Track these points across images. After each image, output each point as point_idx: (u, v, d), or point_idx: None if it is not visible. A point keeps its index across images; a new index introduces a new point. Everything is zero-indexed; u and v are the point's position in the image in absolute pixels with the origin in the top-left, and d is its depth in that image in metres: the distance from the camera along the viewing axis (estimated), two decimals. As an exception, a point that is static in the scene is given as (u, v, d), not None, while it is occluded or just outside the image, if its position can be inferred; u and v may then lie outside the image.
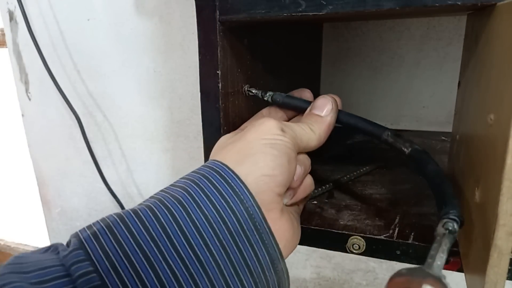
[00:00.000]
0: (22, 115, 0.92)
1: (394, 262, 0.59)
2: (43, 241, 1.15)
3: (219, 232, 0.22)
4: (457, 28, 0.54)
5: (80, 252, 0.20)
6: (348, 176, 0.39)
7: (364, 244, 0.29)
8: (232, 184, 0.24)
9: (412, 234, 0.28)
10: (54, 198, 0.97)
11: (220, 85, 0.31)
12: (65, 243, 0.23)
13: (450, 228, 0.22)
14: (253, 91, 0.34)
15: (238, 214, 0.23)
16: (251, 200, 0.24)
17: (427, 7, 0.24)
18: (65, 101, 0.79)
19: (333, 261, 0.73)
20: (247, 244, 0.23)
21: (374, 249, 0.29)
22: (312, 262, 0.75)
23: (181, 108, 0.76)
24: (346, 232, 0.30)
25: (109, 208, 0.89)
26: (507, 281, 0.20)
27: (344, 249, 0.30)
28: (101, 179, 0.84)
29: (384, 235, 0.29)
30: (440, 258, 0.21)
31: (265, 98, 0.34)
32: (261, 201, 0.24)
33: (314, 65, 0.58)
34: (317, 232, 0.30)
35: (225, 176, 0.24)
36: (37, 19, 0.79)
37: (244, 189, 0.24)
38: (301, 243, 0.29)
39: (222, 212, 0.23)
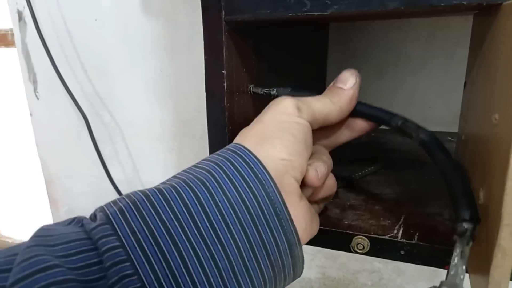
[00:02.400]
0: (31, 115, 0.93)
1: (399, 263, 0.59)
2: (51, 240, 1.16)
3: (241, 215, 0.23)
4: (464, 28, 0.54)
5: (107, 227, 0.21)
6: (353, 176, 0.39)
7: (368, 244, 0.29)
8: (254, 168, 0.24)
9: (417, 234, 0.28)
10: (62, 197, 0.98)
11: (225, 85, 0.31)
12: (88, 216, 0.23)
13: (460, 231, 0.23)
14: (258, 90, 0.34)
15: (259, 199, 0.23)
16: (272, 185, 0.24)
17: (432, 6, 0.24)
18: (73, 100, 0.79)
19: (338, 261, 0.73)
20: (267, 228, 0.23)
21: (378, 249, 0.29)
22: (317, 262, 0.75)
23: (187, 108, 0.76)
24: (351, 232, 0.30)
25: (116, 207, 0.90)
26: (511, 282, 0.20)
27: (348, 249, 0.30)
28: (108, 178, 0.84)
29: (388, 235, 0.28)
30: (454, 267, 0.21)
31: (272, 93, 0.33)
32: (281, 184, 0.24)
33: (319, 65, 0.58)
34: (322, 231, 0.30)
35: (247, 160, 0.24)
36: (45, 19, 0.80)
37: (266, 174, 0.24)
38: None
39: (244, 195, 0.23)
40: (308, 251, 0.74)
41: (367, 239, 0.29)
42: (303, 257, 0.26)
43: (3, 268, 0.18)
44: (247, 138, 0.27)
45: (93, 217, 0.23)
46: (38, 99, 0.90)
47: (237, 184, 0.23)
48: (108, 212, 0.22)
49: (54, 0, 0.78)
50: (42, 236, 0.21)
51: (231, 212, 0.22)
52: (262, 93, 0.34)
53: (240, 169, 0.24)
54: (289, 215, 0.24)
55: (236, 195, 0.23)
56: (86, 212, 0.23)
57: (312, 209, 0.28)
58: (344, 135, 0.32)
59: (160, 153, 0.82)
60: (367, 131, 0.31)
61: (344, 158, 0.32)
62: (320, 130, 0.30)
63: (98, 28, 0.77)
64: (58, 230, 0.22)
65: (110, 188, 0.85)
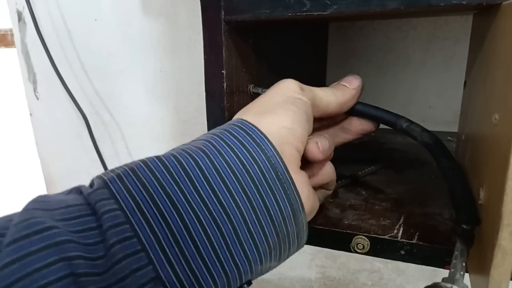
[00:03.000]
0: (30, 115, 0.93)
1: (399, 262, 0.59)
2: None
3: (242, 180, 0.22)
4: (464, 27, 0.54)
5: (104, 191, 0.21)
6: (353, 175, 0.39)
7: (368, 243, 0.29)
8: (253, 135, 0.24)
9: (417, 234, 0.28)
10: (62, 197, 0.98)
11: (225, 84, 0.31)
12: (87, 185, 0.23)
13: (461, 232, 0.23)
14: (259, 90, 0.34)
15: (260, 163, 0.23)
16: (273, 150, 0.24)
17: (432, 6, 0.24)
18: (73, 100, 0.79)
19: (338, 261, 0.73)
20: (269, 192, 0.23)
21: (378, 249, 0.29)
22: (317, 262, 0.75)
23: (187, 107, 0.76)
24: (351, 232, 0.30)
25: (116, 207, 0.90)
26: (511, 282, 0.20)
27: (348, 249, 0.30)
28: (108, 178, 0.84)
29: (389, 235, 0.28)
30: (454, 265, 0.21)
31: None
32: (282, 152, 0.24)
33: (319, 65, 0.58)
34: (322, 231, 0.30)
35: (246, 129, 0.25)
36: (45, 19, 0.80)
37: (266, 140, 0.24)
38: (305, 242, 0.29)
39: (244, 160, 0.23)
40: (308, 251, 0.74)
41: (367, 239, 0.29)
42: (307, 224, 0.26)
43: (1, 232, 0.18)
44: (249, 109, 0.28)
45: (91, 184, 0.22)
46: (38, 99, 0.90)
47: (236, 150, 0.23)
48: (105, 178, 0.21)
49: (53, 0, 0.78)
50: (41, 201, 0.20)
51: (232, 176, 0.22)
52: (262, 93, 0.34)
53: (239, 136, 0.24)
54: (292, 179, 0.24)
55: (236, 160, 0.23)
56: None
57: (312, 189, 0.28)
58: (340, 137, 0.32)
59: (160, 153, 0.82)
60: (363, 134, 0.32)
61: (344, 158, 0.32)
62: (317, 130, 0.31)
63: (98, 28, 0.77)
64: (57, 197, 0.21)
65: (110, 188, 0.85)
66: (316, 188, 0.30)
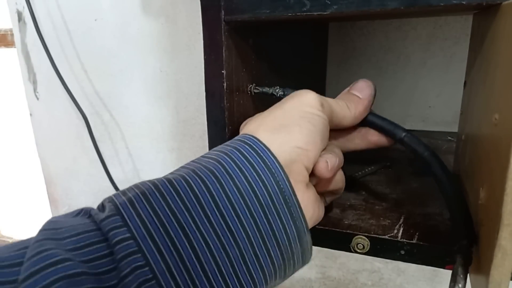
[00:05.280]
0: (30, 115, 0.93)
1: (399, 262, 0.59)
2: (51, 239, 1.16)
3: (251, 205, 0.23)
4: (464, 27, 0.54)
5: (117, 218, 0.21)
6: (353, 175, 0.39)
7: (368, 243, 0.29)
8: (264, 157, 0.24)
9: (417, 234, 0.28)
10: (62, 197, 0.98)
11: (225, 84, 0.31)
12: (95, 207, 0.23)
13: (457, 256, 0.23)
14: (260, 90, 0.34)
15: (269, 187, 0.23)
16: (282, 173, 0.24)
17: (432, 6, 0.24)
18: (73, 100, 0.79)
19: (338, 261, 0.73)
20: (276, 216, 0.23)
21: (378, 249, 0.29)
22: (317, 262, 0.75)
23: (187, 107, 0.76)
24: (351, 232, 0.30)
25: (116, 207, 0.90)
26: (511, 282, 0.20)
27: (348, 249, 0.30)
28: (108, 178, 0.84)
29: (389, 235, 0.29)
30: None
31: (275, 93, 0.33)
32: (290, 171, 0.24)
33: (319, 65, 0.58)
34: (322, 231, 0.30)
35: (257, 149, 0.24)
36: (45, 19, 0.80)
37: (275, 163, 0.24)
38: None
39: (254, 184, 0.23)
40: (308, 250, 0.74)
41: (367, 239, 0.29)
42: (311, 243, 0.26)
43: (15, 262, 0.19)
44: (262, 123, 0.27)
45: (101, 207, 0.23)
46: (38, 99, 0.90)
47: (246, 173, 0.23)
48: (117, 202, 0.21)
49: (54, 0, 0.78)
50: (51, 229, 0.21)
51: (241, 202, 0.22)
52: (265, 91, 0.34)
53: (250, 158, 0.24)
54: (298, 202, 0.24)
55: (246, 184, 0.23)
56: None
57: (318, 197, 0.28)
58: (353, 143, 0.32)
59: (160, 153, 0.82)
60: (376, 146, 0.31)
61: (344, 158, 0.32)
62: (332, 132, 0.31)
63: (98, 28, 0.77)
64: (66, 222, 0.22)
65: (110, 188, 0.85)
66: (324, 193, 0.30)
